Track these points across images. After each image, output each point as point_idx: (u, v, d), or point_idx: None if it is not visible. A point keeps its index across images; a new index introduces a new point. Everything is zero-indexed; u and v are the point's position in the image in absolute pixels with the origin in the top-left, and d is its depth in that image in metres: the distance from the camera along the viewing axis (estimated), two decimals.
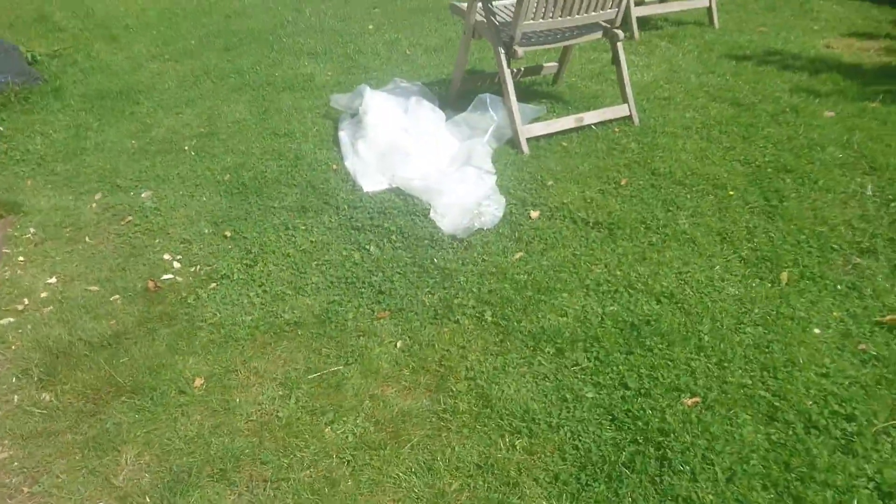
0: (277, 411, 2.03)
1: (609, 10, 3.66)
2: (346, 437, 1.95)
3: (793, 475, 1.77)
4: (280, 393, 2.10)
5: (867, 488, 1.73)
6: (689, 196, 3.11)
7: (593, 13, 3.61)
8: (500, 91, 3.61)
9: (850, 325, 2.31)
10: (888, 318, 2.32)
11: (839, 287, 2.50)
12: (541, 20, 3.47)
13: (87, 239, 2.95)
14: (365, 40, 5.31)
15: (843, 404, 1.98)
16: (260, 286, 2.59)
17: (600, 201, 3.08)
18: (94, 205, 3.19)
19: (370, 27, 5.64)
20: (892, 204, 2.97)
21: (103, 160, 3.58)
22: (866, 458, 1.80)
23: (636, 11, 5.33)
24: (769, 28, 5.46)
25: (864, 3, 6.04)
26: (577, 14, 3.55)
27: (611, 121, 3.79)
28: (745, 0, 6.30)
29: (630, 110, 3.83)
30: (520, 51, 3.49)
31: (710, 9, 5.54)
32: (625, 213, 2.99)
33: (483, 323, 2.38)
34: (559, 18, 3.52)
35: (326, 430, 1.97)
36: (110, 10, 6.29)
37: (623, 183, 3.22)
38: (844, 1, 6.13)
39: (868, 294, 2.46)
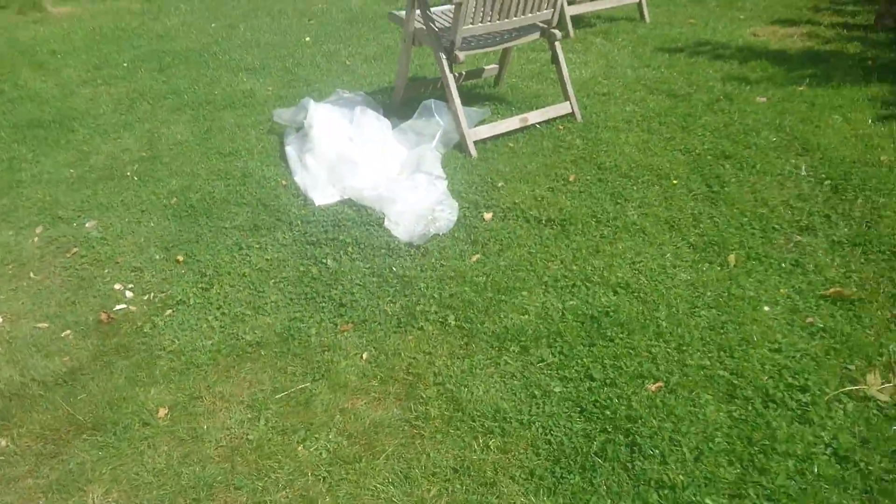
0: (247, 434, 2.01)
1: (545, 11, 3.73)
2: (320, 453, 1.94)
3: (755, 448, 1.84)
4: (248, 415, 2.08)
5: (825, 454, 1.81)
6: (635, 188, 3.19)
7: (530, 14, 3.68)
8: (443, 96, 3.64)
9: (797, 301, 2.41)
10: (831, 291, 2.42)
11: (784, 265, 2.60)
12: (479, 24, 3.51)
13: (31, 275, 2.85)
14: (303, 53, 5.28)
15: (797, 376, 2.06)
16: (218, 309, 2.55)
17: (551, 199, 3.13)
18: (35, 239, 3.09)
19: (307, 39, 5.61)
20: (826, 182, 3.11)
21: (41, 192, 3.46)
22: (822, 426, 1.88)
23: (570, 10, 5.43)
24: (697, 20, 5.64)
25: None
26: (515, 16, 3.61)
27: (554, 119, 3.86)
28: None
29: (572, 107, 3.91)
30: (461, 55, 3.52)
31: (640, 4, 5.69)
32: (575, 208, 3.05)
33: (447, 327, 2.40)
34: (497, 21, 3.57)
35: (299, 448, 1.96)
36: (34, 36, 6.09)
37: (571, 179, 3.28)
38: None
39: (811, 269, 2.56)
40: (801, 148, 3.41)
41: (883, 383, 2.00)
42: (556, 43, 3.86)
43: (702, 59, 4.72)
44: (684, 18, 5.71)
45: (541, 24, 3.82)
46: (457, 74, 4.26)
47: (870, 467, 1.76)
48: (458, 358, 2.26)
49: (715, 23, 5.51)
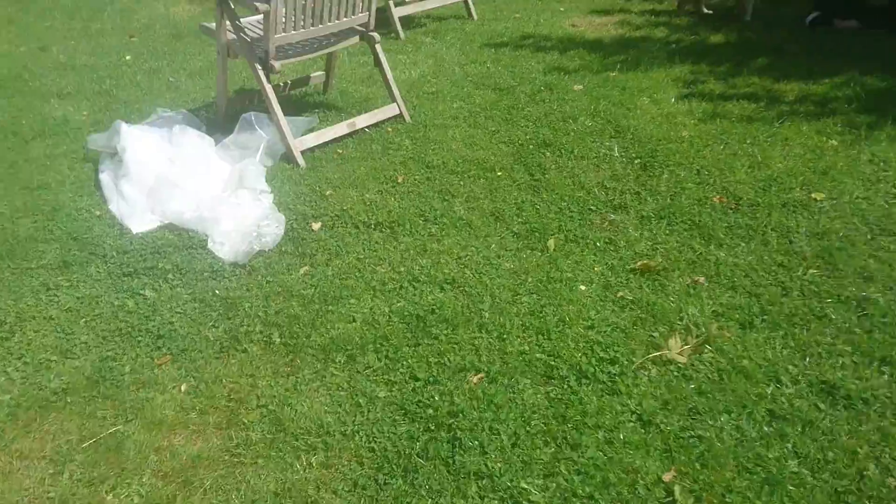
0: (48, 492, 1.85)
1: (361, 15, 3.72)
2: (132, 499, 1.82)
3: (569, 425, 1.91)
4: (50, 471, 1.91)
5: (631, 421, 1.90)
6: (462, 183, 3.24)
7: (346, 19, 3.65)
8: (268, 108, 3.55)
9: (610, 277, 2.53)
10: (639, 264, 2.56)
11: (598, 244, 2.73)
12: (293, 32, 3.44)
13: None
14: (122, 73, 4.98)
15: (607, 349, 2.16)
16: (19, 359, 2.34)
17: (380, 202, 3.12)
18: None
19: (127, 58, 5.30)
20: (636, 161, 3.30)
21: None
22: (629, 395, 1.98)
23: (398, 12, 5.46)
24: (522, 14, 5.84)
25: None
26: (329, 21, 3.57)
27: (383, 121, 3.85)
28: None
29: (400, 108, 3.92)
30: (277, 65, 3.44)
31: (466, 2, 5.81)
32: (404, 209, 3.05)
33: (272, 346, 2.33)
34: (311, 28, 3.52)
35: (108, 497, 1.83)
36: None
37: (400, 180, 3.29)
38: None
39: (622, 245, 2.70)
40: (614, 130, 3.60)
41: (682, 346, 2.13)
42: (377, 46, 3.86)
43: (525, 52, 4.89)
44: (510, 13, 5.90)
45: (359, 28, 3.81)
46: (282, 84, 4.17)
47: (669, 427, 1.87)
48: (282, 376, 2.19)
49: (538, 16, 5.73)
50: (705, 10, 5.40)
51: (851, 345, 2.10)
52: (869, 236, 2.60)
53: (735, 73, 4.19)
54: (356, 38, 3.84)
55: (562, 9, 5.90)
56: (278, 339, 2.35)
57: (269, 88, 3.50)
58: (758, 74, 4.13)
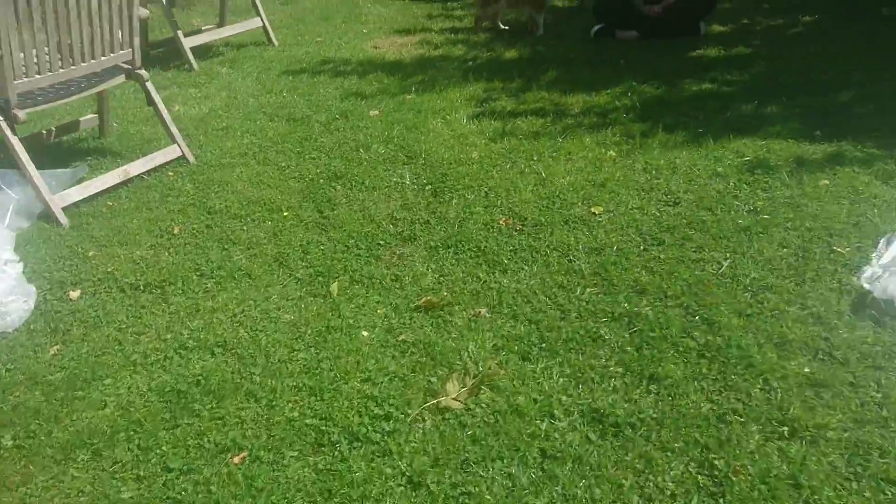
0: None
1: (123, 52, 3.40)
2: None
3: (335, 500, 1.74)
4: None
5: (401, 485, 1.77)
6: (245, 228, 3.01)
7: (104, 58, 3.31)
8: (17, 163, 3.13)
9: (393, 319, 2.40)
10: (423, 301, 2.46)
11: (385, 282, 2.60)
12: (38, 76, 3.07)
13: None
14: None
15: (382, 404, 2.02)
16: None
17: (151, 259, 2.82)
18: None
19: None
20: (427, 187, 3.22)
21: None
22: (400, 455, 1.85)
23: (190, 41, 5.13)
24: (325, 37, 5.69)
25: (405, 2, 6.63)
26: (84, 62, 3.22)
27: (164, 165, 3.54)
28: (302, 13, 6.49)
29: (182, 149, 3.63)
30: (21, 115, 3.05)
31: (264, 28, 5.57)
32: (178, 264, 2.78)
33: (3, 452, 1.98)
34: (62, 71, 3.16)
35: None
36: None
37: (177, 231, 3.01)
38: (389, 3, 6.66)
39: (408, 282, 2.59)
40: (406, 156, 3.51)
41: (460, 389, 2.04)
42: (147, 84, 3.54)
43: (324, 77, 4.73)
44: (312, 37, 5.72)
45: (125, 66, 3.48)
46: (45, 132, 3.74)
47: (440, 486, 1.75)
48: (9, 490, 1.86)
49: (340, 38, 5.60)
50: (502, 26, 5.50)
51: (623, 365, 2.10)
52: (642, 247, 2.65)
53: (526, 88, 4.26)
54: (122, 77, 3.50)
55: (365, 30, 5.80)
56: (11, 442, 2.01)
57: (15, 141, 3.09)
58: (547, 88, 4.22)
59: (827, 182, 2.94)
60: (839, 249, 2.51)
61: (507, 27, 5.53)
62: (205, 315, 2.50)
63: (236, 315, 2.50)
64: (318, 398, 2.08)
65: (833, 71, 4.09)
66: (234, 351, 2.32)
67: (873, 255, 2.45)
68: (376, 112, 4.07)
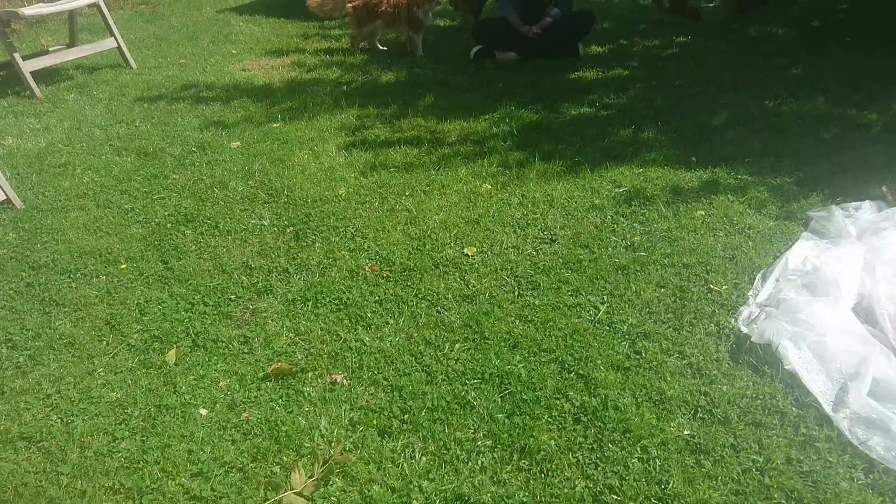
0: None
1: None
2: None
3: None
4: None
5: None
6: (73, 286, 2.62)
7: None
8: None
9: (237, 393, 2.09)
10: (272, 368, 2.17)
11: (232, 346, 2.29)
12: None
13: None
14: None
15: None
16: None
17: None
18: None
19: None
20: (289, 229, 2.92)
21: None
22: None
23: (31, 65, 4.61)
24: (190, 59, 5.27)
25: (279, 20, 6.29)
26: None
27: None
28: (167, 32, 6.04)
29: (6, 193, 3.16)
30: None
31: (119, 49, 5.09)
32: None
33: None
34: None
35: None
36: None
37: None
38: (262, 21, 6.30)
39: (259, 344, 2.29)
40: (268, 194, 3.20)
41: (306, 480, 1.76)
42: None
43: (184, 104, 4.33)
44: (176, 59, 5.29)
45: None
46: None
47: None
48: None
49: (206, 60, 5.20)
50: (380, 47, 5.27)
51: (492, 437, 1.88)
52: (516, 292, 2.46)
53: (401, 114, 4.04)
54: None
55: (234, 51, 5.42)
56: None
57: None
58: (423, 115, 4.01)
59: (703, 213, 2.86)
60: (716, 288, 2.41)
61: (385, 48, 5.31)
62: (10, 399, 2.11)
63: (50, 396, 2.12)
64: (137, 501, 1.74)
65: (705, 94, 4.09)
66: (40, 444, 1.94)
67: (749, 293, 2.36)
68: (237, 143, 3.73)
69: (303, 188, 3.22)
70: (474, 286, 2.50)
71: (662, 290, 2.43)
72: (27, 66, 4.56)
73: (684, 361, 2.10)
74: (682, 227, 2.78)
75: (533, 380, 2.06)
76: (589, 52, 4.98)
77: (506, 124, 3.82)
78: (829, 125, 3.56)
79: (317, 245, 2.80)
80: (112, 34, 4.97)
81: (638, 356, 2.14)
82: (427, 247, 2.75)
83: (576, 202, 3.00)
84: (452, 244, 2.76)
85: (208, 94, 4.49)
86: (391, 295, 2.48)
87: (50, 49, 5.22)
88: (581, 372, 2.08)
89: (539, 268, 2.58)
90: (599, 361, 2.11)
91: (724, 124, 3.69)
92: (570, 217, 2.90)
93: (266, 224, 2.97)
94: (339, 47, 5.38)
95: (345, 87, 4.51)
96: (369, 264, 2.66)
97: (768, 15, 5.47)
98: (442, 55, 5.11)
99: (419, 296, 2.47)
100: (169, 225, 2.99)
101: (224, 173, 3.40)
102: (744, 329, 2.18)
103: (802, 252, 2.45)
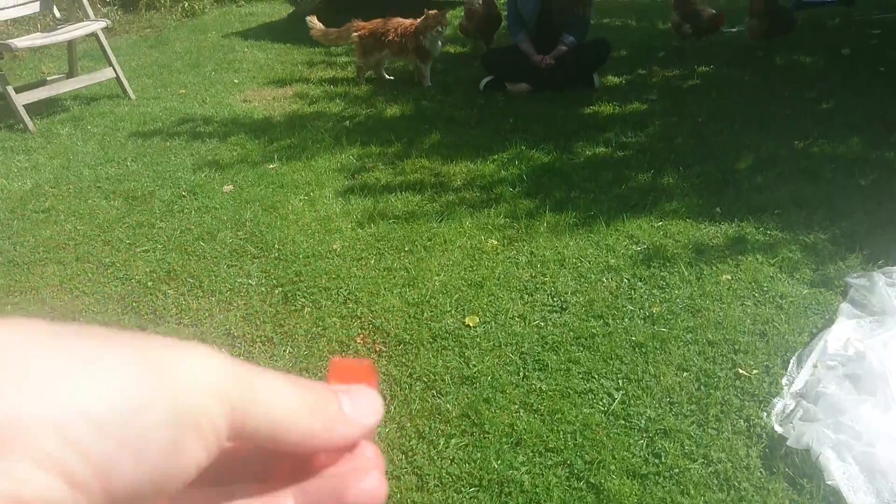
0: None
1: None
2: None
3: None
4: None
5: None
6: None
7: None
8: None
9: None
10: None
11: None
12: None
13: None
14: None
15: None
16: None
17: None
18: None
19: None
20: (277, 290, 2.70)
21: None
22: None
23: (25, 98, 4.46)
24: (189, 88, 5.10)
25: (285, 45, 6.11)
26: None
27: None
28: (170, 59, 5.88)
29: None
30: None
31: (118, 79, 4.93)
32: None
33: None
34: None
35: None
36: None
37: None
38: (267, 46, 6.13)
39: None
40: (257, 248, 2.98)
41: None
42: None
43: (179, 141, 4.15)
44: (176, 88, 5.13)
45: None
46: None
47: None
48: None
49: (207, 90, 5.03)
50: (386, 77, 5.07)
51: None
52: (521, 374, 2.22)
53: (405, 154, 3.81)
54: None
55: (236, 80, 5.25)
56: None
57: None
58: (428, 155, 3.79)
59: (729, 277, 2.60)
60: (745, 372, 2.15)
61: (391, 77, 5.10)
62: None
63: None
64: None
65: (729, 131, 3.84)
66: None
67: (783, 380, 2.10)
68: (230, 187, 3.53)
69: (295, 241, 3.00)
70: (475, 365, 2.26)
71: (685, 374, 2.18)
72: (20, 100, 4.40)
73: (710, 469, 1.85)
74: (706, 294, 2.53)
75: (537, 489, 1.81)
76: (605, 82, 4.74)
77: (515, 166, 3.58)
78: (866, 170, 3.30)
79: (306, 310, 2.58)
80: (110, 64, 4.81)
81: (657, 460, 1.88)
82: (425, 314, 2.52)
83: (589, 262, 2.76)
84: (453, 311, 2.53)
85: (205, 128, 4.30)
86: (384, 374, 2.25)
87: (48, 78, 5.09)
88: (592, 480, 1.83)
89: (547, 343, 2.34)
90: (613, 466, 1.86)
91: (751, 168, 3.43)
92: (582, 280, 2.65)
93: (253, 283, 2.75)
94: (345, 76, 5.18)
95: (347, 121, 4.31)
96: (362, 335, 2.44)
97: (794, 41, 5.20)
98: (451, 85, 4.88)
99: (414, 376, 2.24)
100: (150, 283, 2.78)
101: (213, 222, 3.19)
102: (778, 428, 1.92)
103: (843, 333, 2.18)
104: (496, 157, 3.73)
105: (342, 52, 5.76)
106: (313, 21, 4.94)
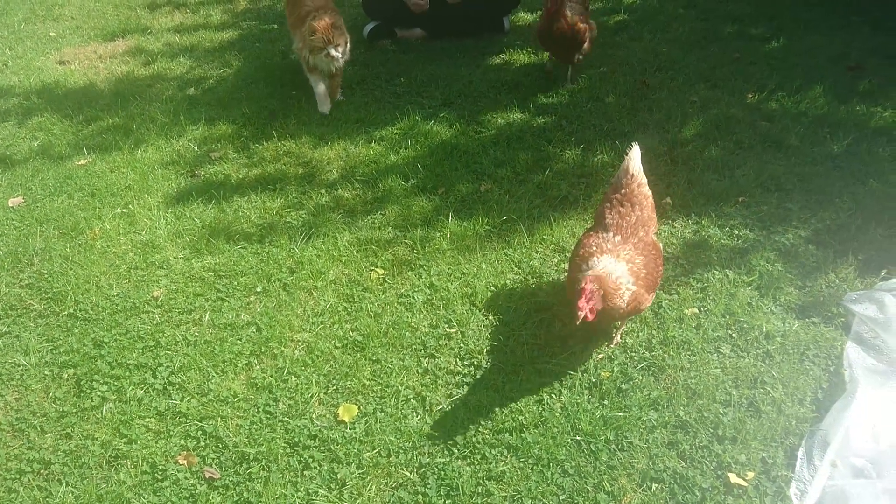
0: None
1: None
2: None
3: None
4: None
5: None
6: None
7: None
8: None
9: None
10: None
11: None
12: None
13: None
14: None
15: None
16: None
17: None
18: None
19: None
20: (68, 372, 1.87)
21: None
22: None
23: None
24: None
25: None
26: None
27: None
28: None
29: None
30: None
31: None
32: None
33: None
34: None
35: None
36: None
37: None
38: None
39: None
40: (44, 301, 2.11)
41: None
42: None
43: None
44: None
45: None
46: None
47: None
48: None
49: (12, 49, 3.89)
50: None
51: None
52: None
53: (264, 134, 2.91)
54: None
55: (53, 33, 4.10)
56: None
57: None
58: (293, 133, 2.91)
59: (696, 311, 1.94)
60: (738, 479, 1.51)
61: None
62: None
63: None
64: None
65: (670, 86, 3.12)
66: None
67: (791, 488, 1.47)
68: (18, 199, 2.57)
69: (100, 288, 2.13)
70: (353, 496, 1.51)
71: (655, 486, 1.50)
72: None
73: None
74: (668, 339, 1.85)
75: None
76: (516, 20, 3.89)
77: (408, 147, 2.77)
78: (837, 131, 2.67)
79: (105, 409, 1.76)
80: None
81: None
82: (280, 407, 1.74)
83: (509, 294, 2.03)
84: (321, 396, 1.76)
85: (2, 104, 3.24)
86: None
87: None
88: None
89: (455, 445, 1.61)
90: None
91: (701, 135, 2.74)
92: (501, 327, 1.92)
93: (31, 364, 1.89)
94: (195, 23, 4.11)
95: (192, 88, 3.33)
96: (185, 452, 1.64)
97: None
98: None
99: None
100: None
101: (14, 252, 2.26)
102: None
103: (868, 412, 1.55)
104: (383, 133, 2.88)
105: None
106: None
